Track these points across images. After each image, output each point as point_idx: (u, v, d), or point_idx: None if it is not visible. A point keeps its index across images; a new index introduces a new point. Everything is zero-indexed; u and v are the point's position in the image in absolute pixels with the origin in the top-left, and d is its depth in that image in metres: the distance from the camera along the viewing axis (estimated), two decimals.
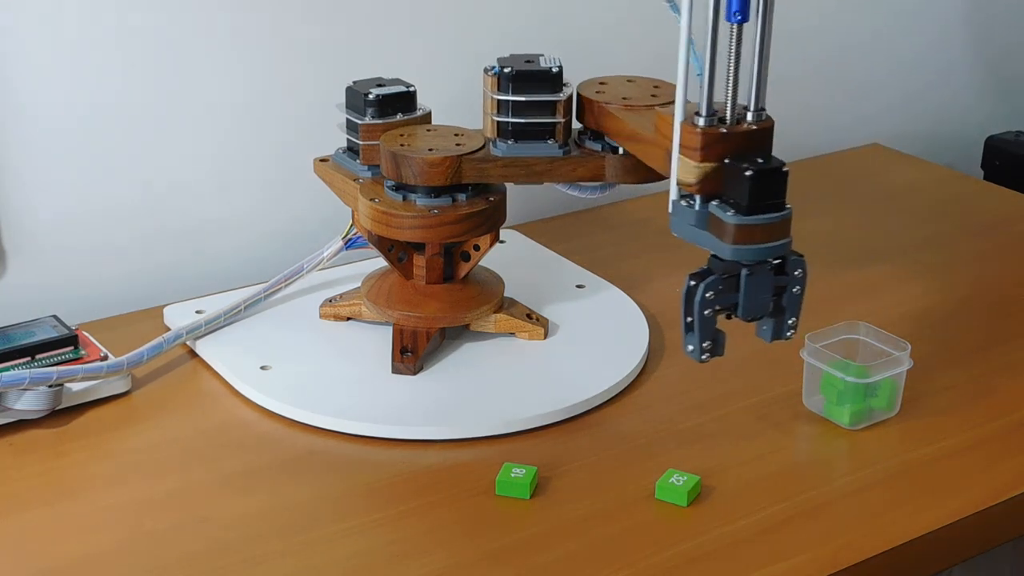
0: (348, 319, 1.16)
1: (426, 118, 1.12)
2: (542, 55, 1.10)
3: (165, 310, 1.17)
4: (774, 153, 0.94)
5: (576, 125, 1.11)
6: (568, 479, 0.98)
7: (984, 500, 0.96)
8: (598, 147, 1.09)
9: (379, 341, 1.12)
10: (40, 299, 1.18)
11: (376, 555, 0.90)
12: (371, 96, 1.10)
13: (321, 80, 1.26)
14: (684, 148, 0.93)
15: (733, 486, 0.97)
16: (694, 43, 0.92)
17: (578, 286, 1.23)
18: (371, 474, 0.99)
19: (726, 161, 0.92)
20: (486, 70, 1.08)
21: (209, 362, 1.11)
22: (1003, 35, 1.81)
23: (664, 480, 0.95)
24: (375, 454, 1.01)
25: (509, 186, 1.11)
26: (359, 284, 1.16)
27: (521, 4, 1.39)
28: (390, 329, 1.10)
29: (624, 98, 1.08)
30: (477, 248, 1.11)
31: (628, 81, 1.11)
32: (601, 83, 1.11)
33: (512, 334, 1.13)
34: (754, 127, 0.93)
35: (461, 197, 1.08)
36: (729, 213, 0.91)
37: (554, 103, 1.08)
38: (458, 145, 1.07)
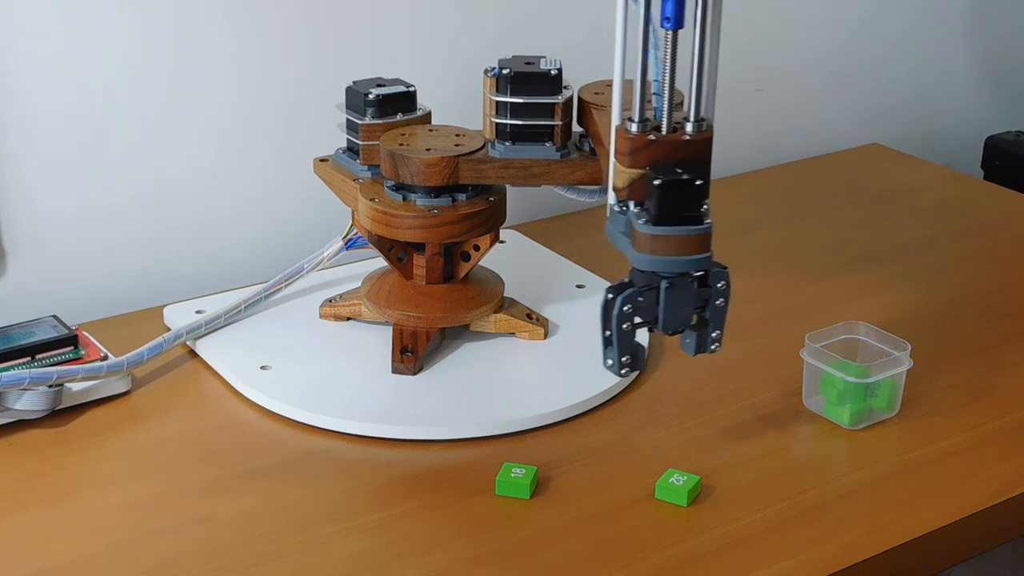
0: (348, 319, 1.16)
1: (426, 118, 1.12)
2: (544, 57, 1.10)
3: (165, 310, 1.17)
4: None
5: (577, 128, 1.11)
6: (568, 479, 0.98)
7: (984, 500, 0.96)
8: None
9: (379, 341, 1.12)
10: (40, 299, 1.18)
11: (376, 555, 0.90)
12: (371, 96, 1.10)
13: (321, 80, 1.26)
14: (616, 153, 0.92)
15: (733, 486, 0.97)
16: (658, 47, 0.91)
17: (578, 286, 1.23)
18: (371, 474, 0.99)
19: (647, 169, 0.91)
20: (486, 71, 1.08)
21: (209, 362, 1.11)
22: (1003, 35, 1.81)
23: (664, 480, 0.95)
24: (375, 454, 1.01)
25: (509, 187, 1.11)
26: (359, 284, 1.16)
27: (527, 5, 1.39)
28: (390, 329, 1.10)
29: None
30: (477, 248, 1.11)
31: None
32: (608, 86, 1.10)
33: (512, 334, 1.13)
34: (687, 137, 0.91)
35: (461, 197, 1.08)
36: (640, 221, 0.90)
37: (552, 105, 1.08)
38: (457, 145, 1.07)
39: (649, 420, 1.05)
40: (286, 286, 1.18)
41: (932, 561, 0.95)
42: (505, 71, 1.07)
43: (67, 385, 1.04)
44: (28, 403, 1.01)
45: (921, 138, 1.74)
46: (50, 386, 1.02)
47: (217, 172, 1.29)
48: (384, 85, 1.12)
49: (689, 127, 0.92)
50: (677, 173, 0.90)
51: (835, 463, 1.02)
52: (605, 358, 0.94)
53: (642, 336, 1.14)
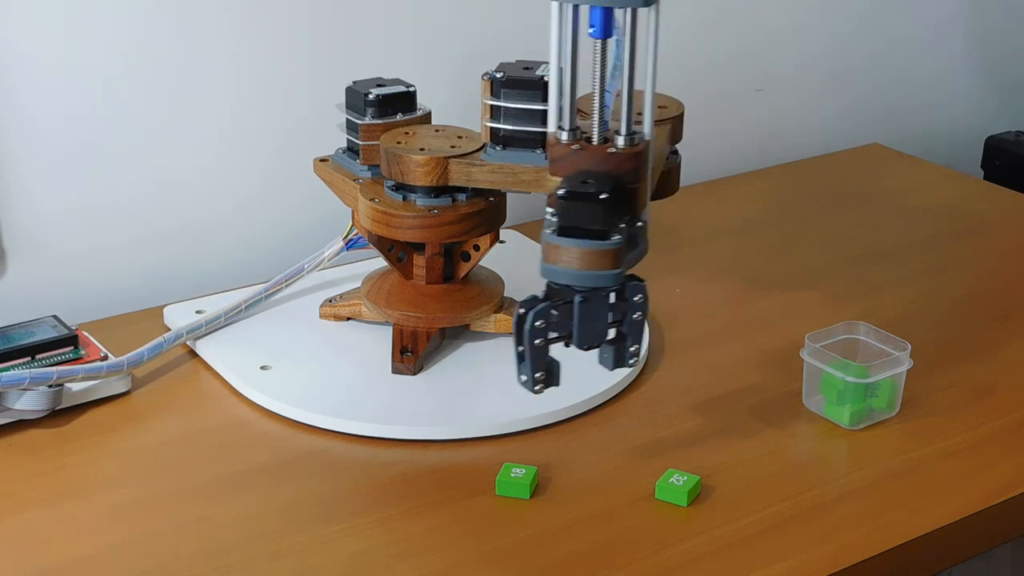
0: (348, 319, 1.16)
1: (426, 118, 1.12)
2: (546, 63, 1.09)
3: (165, 310, 1.17)
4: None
5: None
6: (568, 479, 0.98)
7: (984, 500, 0.96)
8: None
9: (379, 341, 1.12)
10: (40, 299, 1.18)
11: (376, 555, 0.90)
12: (371, 96, 1.10)
13: (321, 80, 1.26)
14: (548, 160, 0.92)
15: (733, 486, 0.97)
16: (621, 47, 0.90)
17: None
18: (371, 474, 0.99)
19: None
20: (484, 75, 1.08)
21: (209, 362, 1.11)
22: (1003, 35, 1.81)
23: (664, 480, 0.95)
24: (375, 454, 1.01)
25: None
26: (359, 284, 1.16)
27: (535, 5, 1.39)
28: (390, 329, 1.10)
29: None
30: (477, 248, 1.11)
31: (618, 95, 1.09)
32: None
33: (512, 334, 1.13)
34: (612, 150, 0.90)
35: (461, 197, 1.08)
36: (548, 231, 0.90)
37: (543, 112, 1.07)
38: (452, 147, 1.07)
39: (649, 420, 1.05)
40: (286, 286, 1.18)
41: (932, 561, 0.95)
42: (499, 75, 1.06)
43: (67, 385, 1.04)
44: (28, 403, 1.01)
45: (921, 138, 1.74)
46: (50, 386, 1.02)
47: (217, 172, 1.29)
48: (384, 85, 1.12)
49: (620, 140, 0.91)
50: (583, 184, 0.89)
51: (835, 463, 1.02)
52: (519, 374, 0.92)
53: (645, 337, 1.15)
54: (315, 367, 1.10)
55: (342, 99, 1.12)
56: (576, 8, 0.90)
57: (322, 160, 1.15)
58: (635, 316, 0.93)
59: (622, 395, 1.08)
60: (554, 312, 0.90)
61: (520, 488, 0.95)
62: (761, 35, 1.59)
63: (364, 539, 0.92)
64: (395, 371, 1.08)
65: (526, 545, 0.91)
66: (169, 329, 1.14)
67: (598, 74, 0.90)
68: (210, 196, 1.29)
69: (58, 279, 1.22)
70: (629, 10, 0.89)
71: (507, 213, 1.11)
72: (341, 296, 1.17)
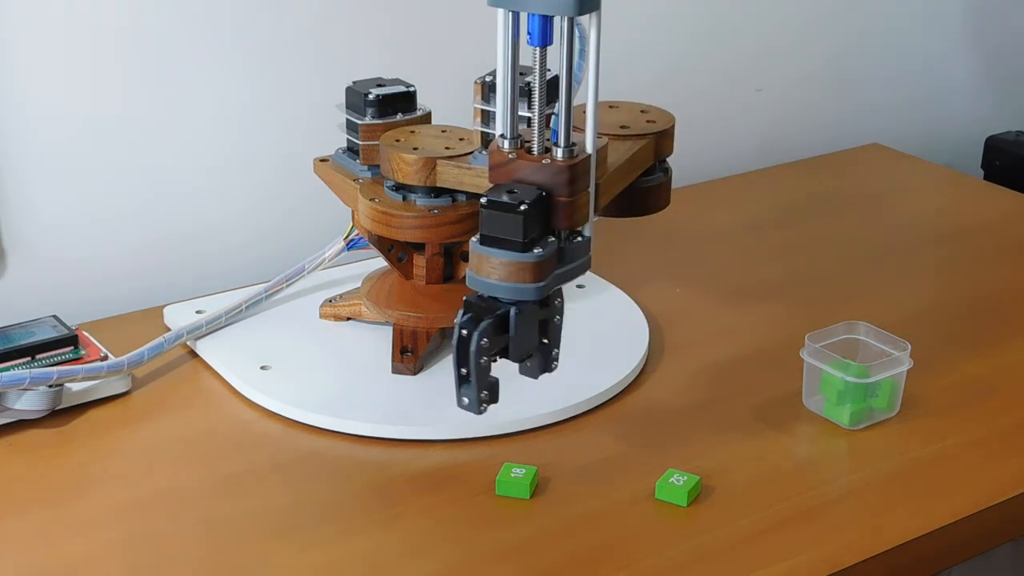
0: (348, 319, 1.16)
1: (426, 118, 1.12)
2: (548, 69, 1.09)
3: (165, 310, 1.17)
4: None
5: None
6: (568, 479, 0.98)
7: (984, 500, 0.96)
8: None
9: (379, 341, 1.12)
10: (40, 299, 1.18)
11: (376, 555, 0.90)
12: (371, 96, 1.10)
13: (321, 80, 1.26)
14: (488, 167, 0.92)
15: (733, 486, 0.97)
16: (584, 57, 0.90)
17: (578, 286, 1.23)
18: (371, 474, 0.99)
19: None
20: (477, 79, 1.08)
21: (209, 362, 1.11)
22: (1003, 35, 1.81)
23: (664, 480, 0.95)
24: (375, 454, 1.01)
25: None
26: (359, 284, 1.16)
27: None
28: (390, 329, 1.10)
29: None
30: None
31: (610, 107, 1.09)
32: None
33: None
34: (546, 160, 0.90)
35: (461, 197, 1.07)
36: (475, 238, 0.89)
37: (528, 119, 1.06)
38: (447, 148, 1.07)
39: (649, 420, 1.05)
40: (287, 286, 1.18)
41: (932, 561, 0.95)
42: (489, 79, 1.05)
43: (67, 385, 1.04)
44: (28, 403, 1.01)
45: (921, 138, 1.74)
46: (50, 386, 1.02)
47: (217, 172, 1.29)
48: (384, 85, 1.12)
49: (559, 152, 0.90)
50: (511, 194, 0.88)
51: (835, 463, 1.02)
52: (460, 397, 0.90)
53: (640, 336, 1.15)
54: (315, 367, 1.10)
55: (342, 99, 1.12)
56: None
57: (322, 160, 1.15)
58: (556, 320, 0.92)
59: (622, 395, 1.08)
60: (492, 329, 0.88)
61: (520, 488, 0.95)
62: (761, 35, 1.59)
63: (364, 539, 0.92)
64: (395, 371, 1.08)
65: (526, 545, 0.91)
66: (169, 329, 1.14)
67: (537, 83, 0.90)
68: (210, 196, 1.29)
69: (58, 279, 1.22)
70: (566, 18, 0.88)
71: None
72: (341, 296, 1.17)
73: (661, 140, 1.06)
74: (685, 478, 0.95)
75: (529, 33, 0.89)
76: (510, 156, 0.90)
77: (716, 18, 1.55)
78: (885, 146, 1.65)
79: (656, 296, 1.23)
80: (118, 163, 1.23)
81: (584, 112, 0.91)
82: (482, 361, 0.88)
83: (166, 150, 1.25)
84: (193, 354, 1.13)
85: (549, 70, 0.92)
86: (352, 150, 1.13)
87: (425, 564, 0.89)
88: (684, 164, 1.25)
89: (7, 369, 1.03)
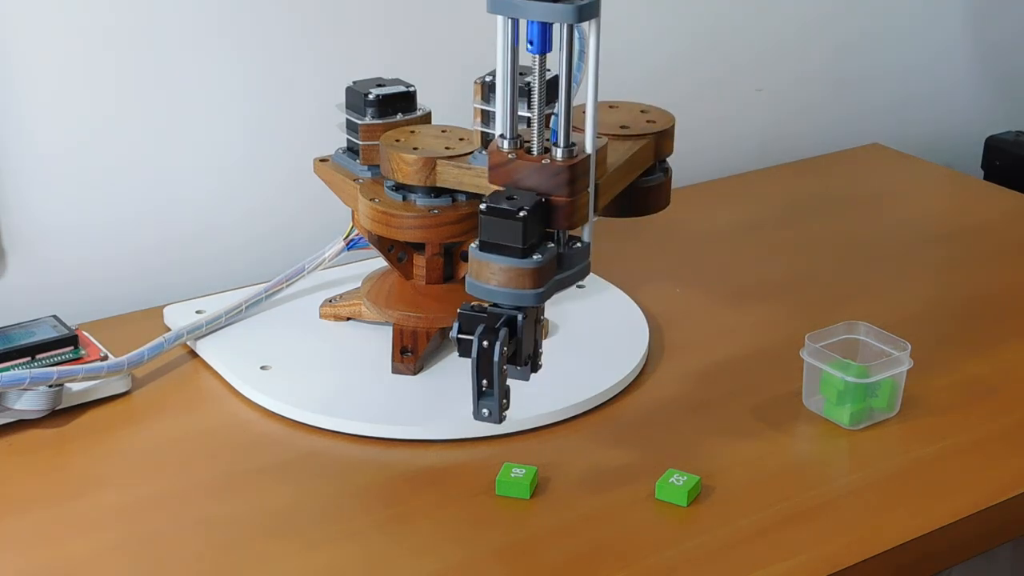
0: (348, 319, 1.16)
1: (426, 118, 1.12)
2: (548, 70, 1.08)
3: (165, 310, 1.17)
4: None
5: None
6: (568, 479, 0.98)
7: (984, 500, 0.96)
8: None
9: (379, 341, 1.12)
10: (40, 299, 1.18)
11: (376, 555, 0.90)
12: (371, 96, 1.10)
13: (321, 80, 1.26)
14: (488, 167, 0.92)
15: (733, 486, 0.97)
16: (583, 59, 0.90)
17: (578, 286, 1.22)
18: (371, 474, 0.99)
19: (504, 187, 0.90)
20: (477, 79, 1.08)
21: (209, 362, 1.11)
22: (1003, 36, 1.81)
23: (664, 480, 0.95)
24: (375, 454, 1.01)
25: None
26: (359, 284, 1.16)
27: None
28: (390, 329, 1.10)
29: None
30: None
31: (610, 107, 1.09)
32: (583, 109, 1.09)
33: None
34: (546, 160, 0.90)
35: (461, 197, 1.07)
36: (474, 244, 0.89)
37: (528, 119, 1.06)
38: (447, 148, 1.07)
39: (649, 420, 1.05)
40: (287, 286, 1.18)
41: (932, 561, 0.95)
42: (489, 79, 1.05)
43: (67, 385, 1.04)
44: (28, 403, 1.01)
45: (921, 138, 1.74)
46: (50, 386, 1.02)
47: (217, 172, 1.29)
48: (384, 85, 1.12)
49: (559, 152, 0.90)
50: (511, 200, 0.88)
51: (835, 463, 1.02)
52: (480, 409, 0.90)
53: (640, 336, 1.15)
54: (315, 367, 1.10)
55: (342, 99, 1.12)
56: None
57: (322, 160, 1.15)
58: (542, 319, 0.93)
59: (622, 395, 1.08)
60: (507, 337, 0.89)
61: (520, 488, 0.95)
62: (761, 35, 1.59)
63: (364, 539, 0.92)
64: (395, 371, 1.08)
65: (526, 545, 0.91)
66: (169, 329, 1.14)
67: (535, 84, 0.90)
68: (210, 196, 1.29)
69: (58, 279, 1.22)
70: (566, 25, 0.88)
71: None
72: (341, 296, 1.17)
73: (661, 140, 1.06)
74: (685, 478, 0.95)
75: (529, 41, 0.89)
76: (510, 156, 0.90)
77: (716, 18, 1.55)
78: (885, 146, 1.65)
79: (656, 296, 1.23)
80: (118, 163, 1.23)
81: (584, 112, 0.91)
82: (504, 369, 0.89)
83: (166, 150, 1.25)
84: (193, 354, 1.13)
85: (549, 70, 0.92)
86: (352, 150, 1.13)
87: (425, 564, 0.89)
88: (684, 164, 1.25)
89: (7, 369, 1.03)
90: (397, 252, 1.11)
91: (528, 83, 0.93)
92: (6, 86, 1.16)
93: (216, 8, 1.24)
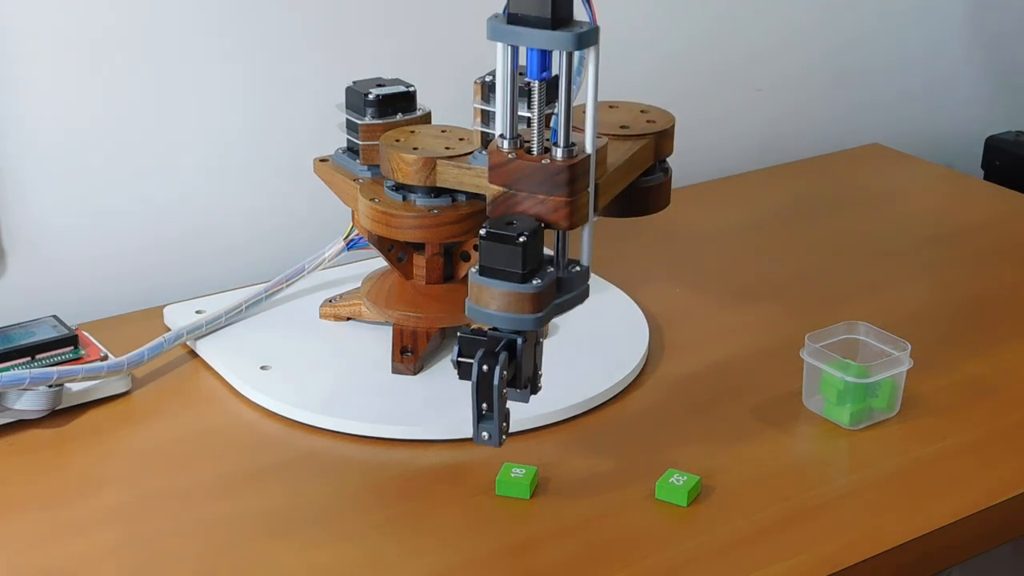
0: (348, 319, 1.16)
1: (426, 118, 1.12)
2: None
3: (165, 310, 1.17)
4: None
5: None
6: (568, 479, 0.98)
7: (984, 500, 0.96)
8: None
9: (379, 341, 1.12)
10: (40, 299, 1.18)
11: (376, 555, 0.90)
12: (371, 96, 1.10)
13: (321, 80, 1.26)
14: (488, 167, 0.92)
15: (733, 486, 0.97)
16: (583, 62, 0.90)
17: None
18: (371, 474, 0.99)
19: (506, 188, 0.90)
20: (477, 79, 1.08)
21: (209, 362, 1.11)
22: (1003, 35, 1.81)
23: (664, 480, 0.95)
24: (375, 454, 1.01)
25: None
26: (359, 284, 1.16)
27: None
28: (390, 329, 1.10)
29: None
30: (477, 248, 1.11)
31: (610, 107, 1.08)
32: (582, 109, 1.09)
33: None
34: (546, 160, 0.90)
35: (461, 197, 1.07)
36: (474, 269, 0.90)
37: (528, 119, 1.06)
38: (447, 148, 1.07)
39: (649, 420, 1.05)
40: (287, 286, 1.18)
41: (932, 561, 0.95)
42: (489, 79, 1.05)
43: (67, 385, 1.04)
44: (28, 403, 1.01)
45: (921, 138, 1.74)
46: (50, 386, 1.02)
47: (217, 172, 1.29)
48: (384, 85, 1.12)
49: (559, 152, 0.90)
50: (511, 226, 0.88)
51: (835, 463, 1.02)
52: (480, 432, 0.90)
53: (640, 336, 1.15)
54: (315, 367, 1.10)
55: (342, 99, 1.12)
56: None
57: (322, 160, 1.15)
58: (543, 340, 0.93)
59: (622, 395, 1.08)
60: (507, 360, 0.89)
61: (520, 488, 0.95)
62: (761, 35, 1.59)
63: (363, 539, 0.92)
64: (395, 371, 1.08)
65: (526, 545, 0.91)
66: (169, 329, 1.14)
67: (535, 87, 0.89)
68: (210, 197, 1.29)
69: (58, 279, 1.22)
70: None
71: None
72: (341, 296, 1.17)
73: (661, 140, 1.06)
74: (685, 478, 0.95)
75: (528, 67, 0.89)
76: (510, 156, 0.90)
77: (716, 18, 1.55)
78: (885, 146, 1.65)
79: (656, 296, 1.23)
80: (118, 163, 1.23)
81: (584, 112, 0.91)
82: (504, 392, 0.89)
83: (166, 150, 1.25)
84: (193, 354, 1.13)
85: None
86: (352, 150, 1.13)
87: (425, 564, 0.89)
88: (684, 164, 1.25)
89: (7, 369, 1.03)
90: (397, 252, 1.11)
91: (528, 84, 0.93)
92: (6, 86, 1.16)
93: (216, 8, 1.24)
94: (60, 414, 1.04)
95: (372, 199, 1.08)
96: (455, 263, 1.13)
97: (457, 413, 1.04)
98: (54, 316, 1.10)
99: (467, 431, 1.01)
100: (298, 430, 1.03)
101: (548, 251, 0.91)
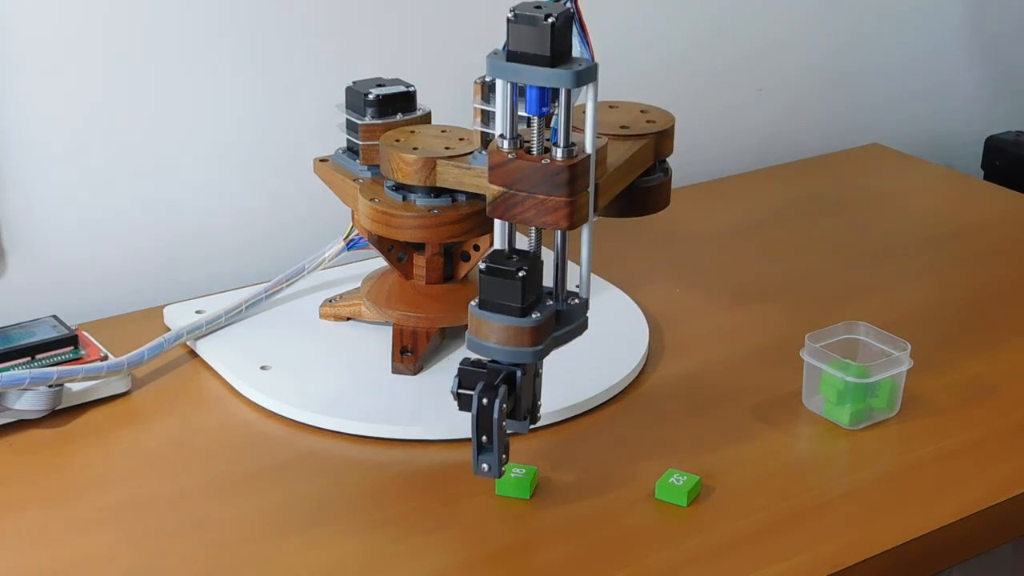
0: (348, 319, 1.16)
1: (426, 118, 1.12)
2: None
3: (165, 310, 1.17)
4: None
5: None
6: (568, 479, 0.98)
7: (984, 500, 0.96)
8: None
9: (379, 341, 1.12)
10: (40, 299, 1.18)
11: (376, 555, 0.90)
12: (371, 96, 1.10)
13: (321, 80, 1.26)
14: (487, 167, 0.92)
15: (733, 486, 0.97)
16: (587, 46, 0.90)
17: (577, 286, 1.23)
18: (371, 474, 0.99)
19: (506, 188, 0.90)
20: (477, 80, 1.08)
21: (209, 362, 1.11)
22: (1003, 36, 1.81)
23: (664, 480, 0.95)
24: (375, 454, 1.01)
25: None
26: (359, 284, 1.16)
27: None
28: (390, 329, 1.10)
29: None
30: (477, 248, 1.11)
31: (610, 107, 1.08)
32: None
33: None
34: (546, 160, 0.89)
35: (461, 197, 1.07)
36: (474, 302, 0.90)
37: (528, 119, 1.06)
38: (447, 148, 1.07)
39: (649, 420, 1.05)
40: (287, 286, 1.18)
41: (932, 561, 0.95)
42: (488, 79, 1.05)
43: (67, 385, 1.04)
44: (28, 403, 1.01)
45: (921, 138, 1.74)
46: (50, 386, 1.02)
47: (217, 173, 1.29)
48: (384, 85, 1.12)
49: (559, 152, 0.90)
50: (513, 260, 0.88)
51: (835, 463, 1.02)
52: (479, 464, 0.89)
53: (640, 336, 1.15)
54: (315, 367, 1.10)
55: (342, 99, 1.12)
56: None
57: (322, 160, 1.15)
58: (541, 371, 0.93)
59: (622, 395, 1.08)
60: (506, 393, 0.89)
61: (520, 488, 0.95)
62: (761, 35, 1.59)
63: (364, 539, 0.92)
64: (395, 371, 1.08)
65: (526, 545, 0.91)
66: (169, 329, 1.14)
67: (535, 129, 0.90)
68: (210, 196, 1.29)
69: (58, 279, 1.22)
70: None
71: None
72: (341, 296, 1.17)
73: (661, 140, 1.06)
74: (685, 478, 0.95)
75: (527, 104, 0.88)
76: (510, 156, 0.90)
77: (715, 17, 1.55)
78: (885, 146, 1.65)
79: (656, 296, 1.23)
80: (118, 163, 1.23)
81: (584, 112, 0.91)
82: (504, 424, 0.89)
83: (166, 150, 1.25)
84: (193, 354, 1.13)
85: None
86: (352, 150, 1.13)
87: (425, 564, 0.89)
88: (684, 164, 1.25)
89: (7, 369, 1.03)
90: (397, 252, 1.11)
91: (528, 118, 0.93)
92: (6, 86, 1.16)
93: (216, 9, 1.24)
94: (60, 414, 1.04)
95: (372, 199, 1.08)
96: (455, 263, 1.13)
97: (457, 413, 1.04)
98: (54, 316, 1.10)
99: (467, 431, 1.02)
100: (298, 430, 1.03)
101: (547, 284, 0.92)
